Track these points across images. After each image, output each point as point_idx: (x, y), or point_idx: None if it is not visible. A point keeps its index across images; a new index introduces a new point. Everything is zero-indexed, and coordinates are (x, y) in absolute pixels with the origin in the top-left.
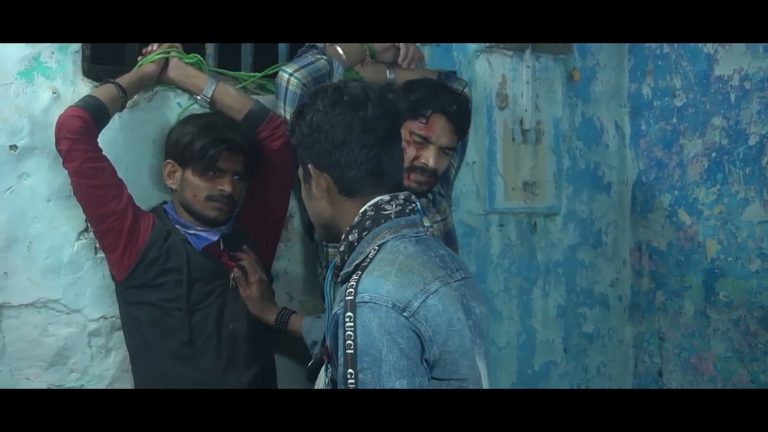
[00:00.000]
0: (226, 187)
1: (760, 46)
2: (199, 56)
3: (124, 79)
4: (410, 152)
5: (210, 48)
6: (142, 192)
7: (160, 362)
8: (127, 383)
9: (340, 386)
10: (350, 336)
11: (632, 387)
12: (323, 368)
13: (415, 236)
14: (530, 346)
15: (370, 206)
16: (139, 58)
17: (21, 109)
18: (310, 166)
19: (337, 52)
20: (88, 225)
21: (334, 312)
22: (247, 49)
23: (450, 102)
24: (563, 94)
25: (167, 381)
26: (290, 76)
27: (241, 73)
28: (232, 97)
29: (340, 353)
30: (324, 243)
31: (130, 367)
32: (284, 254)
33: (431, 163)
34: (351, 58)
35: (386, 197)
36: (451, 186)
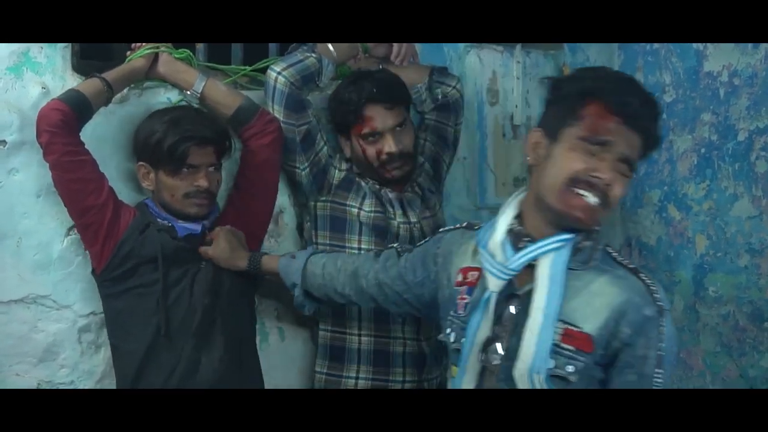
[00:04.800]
0: (202, 182)
1: (749, 43)
2: (188, 51)
3: (111, 74)
4: (371, 150)
5: (200, 43)
6: (132, 187)
7: (139, 350)
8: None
9: (623, 378)
10: (662, 339)
11: None
12: (544, 352)
13: None
14: None
15: None
16: (128, 53)
17: (10, 104)
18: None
19: (328, 49)
20: None
21: (645, 314)
22: (237, 44)
23: (369, 87)
24: None
25: (145, 368)
26: (278, 74)
27: (232, 66)
28: (223, 93)
29: (650, 354)
30: (313, 241)
31: None
32: (275, 250)
33: (393, 148)
34: (342, 55)
35: None
36: (443, 182)
